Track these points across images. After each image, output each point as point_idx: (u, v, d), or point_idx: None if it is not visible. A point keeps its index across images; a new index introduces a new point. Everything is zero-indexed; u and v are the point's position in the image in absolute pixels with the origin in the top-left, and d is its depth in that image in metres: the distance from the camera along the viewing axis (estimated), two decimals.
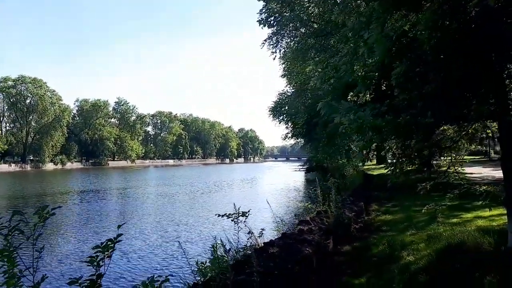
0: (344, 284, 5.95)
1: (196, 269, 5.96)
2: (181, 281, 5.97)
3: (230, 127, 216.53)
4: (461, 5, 5.75)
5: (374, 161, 51.95)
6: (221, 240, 6.74)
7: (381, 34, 5.43)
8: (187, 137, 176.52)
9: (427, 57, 5.63)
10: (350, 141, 39.60)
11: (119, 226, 3.44)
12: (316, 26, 25.39)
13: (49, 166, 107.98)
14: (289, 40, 29.59)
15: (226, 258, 6.06)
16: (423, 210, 9.48)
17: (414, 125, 5.84)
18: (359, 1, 22.41)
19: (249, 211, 7.01)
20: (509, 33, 5.41)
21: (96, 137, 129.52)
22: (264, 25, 26.28)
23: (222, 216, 6.90)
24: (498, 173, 19.94)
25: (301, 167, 72.13)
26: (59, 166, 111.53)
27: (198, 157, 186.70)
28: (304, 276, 5.84)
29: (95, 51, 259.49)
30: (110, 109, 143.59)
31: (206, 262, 5.98)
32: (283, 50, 30.87)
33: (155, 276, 3.67)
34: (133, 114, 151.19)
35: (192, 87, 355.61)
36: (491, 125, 7.49)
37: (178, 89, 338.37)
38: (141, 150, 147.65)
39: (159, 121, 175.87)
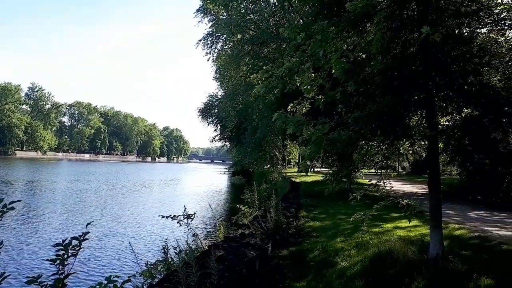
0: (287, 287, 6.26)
1: (146, 269, 5.86)
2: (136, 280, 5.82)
3: (154, 124, 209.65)
4: (402, 34, 6.45)
5: (295, 169, 54.17)
6: (165, 241, 6.67)
7: (338, 55, 5.84)
8: (106, 131, 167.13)
9: (376, 79, 6.19)
10: (275, 148, 41.03)
11: (87, 224, 3.29)
12: (251, 33, 25.94)
13: None
14: (224, 44, 29.79)
15: (175, 260, 6.04)
16: (351, 219, 10.14)
17: (359, 140, 6.37)
18: (293, 15, 23.44)
19: (195, 213, 7.01)
20: (446, 63, 6.19)
21: (4, 124, 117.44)
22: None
23: (167, 217, 6.81)
24: (407, 188, 22.17)
25: (227, 170, 72.63)
26: None
27: (117, 154, 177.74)
28: (249, 279, 6.01)
29: (7, 28, 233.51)
30: (22, 94, 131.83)
31: (155, 263, 5.91)
32: (217, 52, 30.98)
33: (111, 277, 3.55)
34: (48, 102, 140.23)
35: (116, 79, 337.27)
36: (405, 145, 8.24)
37: (100, 80, 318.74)
38: (55, 141, 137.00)
39: (76, 112, 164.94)
